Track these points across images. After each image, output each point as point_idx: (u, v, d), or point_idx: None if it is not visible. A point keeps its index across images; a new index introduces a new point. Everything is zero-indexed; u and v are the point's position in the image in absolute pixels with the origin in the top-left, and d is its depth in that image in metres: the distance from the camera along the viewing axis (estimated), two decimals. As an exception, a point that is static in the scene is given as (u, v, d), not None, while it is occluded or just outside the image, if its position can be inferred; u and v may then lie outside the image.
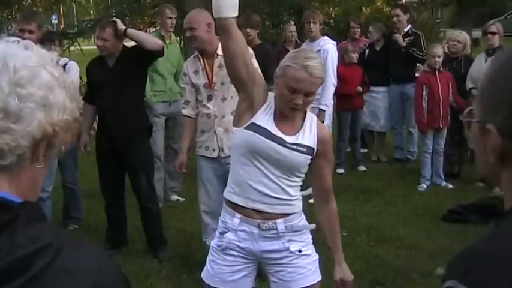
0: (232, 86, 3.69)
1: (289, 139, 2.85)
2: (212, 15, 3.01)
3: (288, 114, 2.85)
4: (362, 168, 8.37)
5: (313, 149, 2.91)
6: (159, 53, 5.18)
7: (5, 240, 1.04)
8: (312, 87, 2.79)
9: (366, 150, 9.43)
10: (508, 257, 1.05)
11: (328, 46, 6.59)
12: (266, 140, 2.82)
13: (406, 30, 8.53)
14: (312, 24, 6.77)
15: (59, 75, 1.19)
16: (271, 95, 2.94)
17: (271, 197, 2.89)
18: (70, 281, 1.07)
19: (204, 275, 3.09)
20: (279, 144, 2.83)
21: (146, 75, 5.48)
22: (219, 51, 4.38)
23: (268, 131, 2.83)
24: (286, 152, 2.84)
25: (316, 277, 3.02)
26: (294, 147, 2.85)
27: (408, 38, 8.44)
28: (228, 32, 2.79)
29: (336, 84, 6.66)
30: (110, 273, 1.16)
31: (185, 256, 5.35)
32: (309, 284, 2.99)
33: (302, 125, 2.92)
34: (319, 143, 2.93)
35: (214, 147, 4.81)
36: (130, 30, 5.20)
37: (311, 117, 2.97)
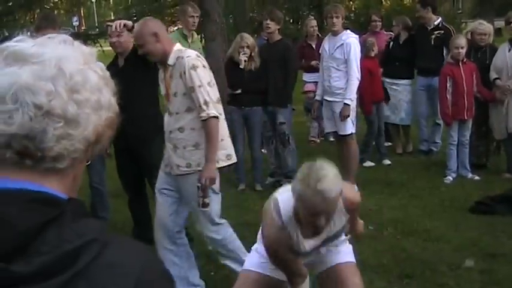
0: (182, 100, 3.97)
1: (325, 234, 3.05)
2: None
3: (311, 232, 3.00)
4: (387, 161, 8.33)
5: (344, 225, 3.11)
6: None
7: (53, 234, 1.06)
8: (330, 208, 2.79)
9: (389, 144, 9.40)
10: None
11: (351, 40, 6.58)
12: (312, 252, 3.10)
13: (436, 23, 8.46)
14: (335, 19, 6.75)
15: (101, 72, 1.22)
16: (286, 207, 2.98)
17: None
18: (114, 276, 1.08)
19: (248, 263, 3.33)
20: (323, 246, 3.13)
21: (157, 72, 5.47)
22: (170, 61, 4.18)
23: (311, 250, 3.08)
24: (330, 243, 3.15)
25: (353, 258, 3.28)
26: (333, 237, 3.11)
27: (438, 32, 8.37)
28: None
29: (359, 78, 6.63)
30: (154, 270, 1.17)
31: (212, 253, 5.35)
32: (348, 260, 3.23)
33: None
34: (350, 212, 3.08)
35: (166, 163, 4.50)
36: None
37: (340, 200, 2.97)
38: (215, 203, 4.39)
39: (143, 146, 5.22)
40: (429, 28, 8.44)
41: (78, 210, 1.15)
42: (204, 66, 4.18)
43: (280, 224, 2.93)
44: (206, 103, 4.08)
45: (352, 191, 3.18)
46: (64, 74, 1.12)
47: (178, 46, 4.32)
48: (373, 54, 8.08)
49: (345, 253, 3.18)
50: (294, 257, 3.01)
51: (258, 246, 3.24)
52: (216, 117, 4.12)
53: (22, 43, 1.15)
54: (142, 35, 4.27)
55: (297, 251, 3.00)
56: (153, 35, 4.22)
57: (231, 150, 4.44)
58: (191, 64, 4.10)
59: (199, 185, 4.14)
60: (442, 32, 8.34)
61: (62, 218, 1.09)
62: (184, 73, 4.07)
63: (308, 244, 3.00)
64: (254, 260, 3.20)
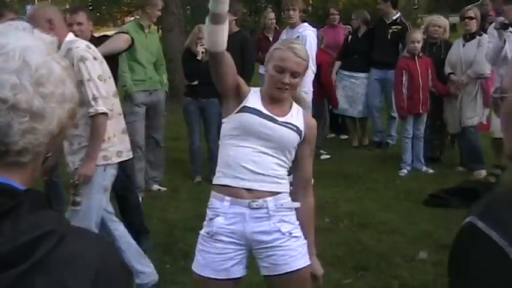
0: None
1: (279, 118, 2.96)
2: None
3: (277, 94, 2.95)
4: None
5: (301, 130, 2.99)
6: (129, 47, 5.13)
7: (8, 226, 1.05)
8: (297, 67, 2.92)
9: (346, 137, 9.47)
10: None
11: (307, 33, 6.57)
12: (258, 117, 2.91)
13: (394, 18, 8.55)
14: (291, 11, 6.75)
15: (64, 63, 1.20)
16: (254, 88, 3.06)
17: (261, 174, 2.90)
18: (73, 267, 1.08)
19: (194, 265, 3.03)
20: (270, 121, 2.93)
21: (117, 64, 5.39)
22: (61, 51, 3.90)
23: (259, 110, 2.94)
24: (277, 127, 2.92)
25: (306, 261, 3.00)
26: (285, 124, 2.95)
27: (395, 27, 8.47)
28: (219, 61, 2.94)
29: (315, 71, 6.64)
30: (113, 260, 1.17)
31: (168, 245, 5.33)
32: (300, 267, 2.97)
33: (290, 109, 3.03)
34: (306, 127, 3.02)
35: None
36: (100, 49, 4.75)
37: (297, 107, 3.07)
38: (97, 201, 4.17)
39: None
40: (387, 22, 8.52)
41: (36, 202, 1.13)
42: (95, 59, 4.00)
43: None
44: (95, 98, 3.91)
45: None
46: (29, 66, 1.10)
47: (70, 36, 4.10)
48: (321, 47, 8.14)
49: (297, 256, 2.96)
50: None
51: (202, 231, 3.02)
52: (105, 113, 3.95)
53: None
54: (36, 19, 3.97)
55: (245, 105, 2.95)
56: (47, 21, 3.97)
57: (122, 147, 4.27)
58: (80, 56, 3.90)
59: (71, 181, 4.01)
60: (400, 27, 8.45)
61: (19, 209, 1.08)
62: (73, 65, 3.84)
63: (259, 105, 2.95)
64: (201, 262, 2.98)
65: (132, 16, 16.15)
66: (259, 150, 2.91)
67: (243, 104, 2.96)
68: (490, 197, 1.18)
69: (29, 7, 32.01)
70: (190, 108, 7.11)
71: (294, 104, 3.06)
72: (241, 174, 2.90)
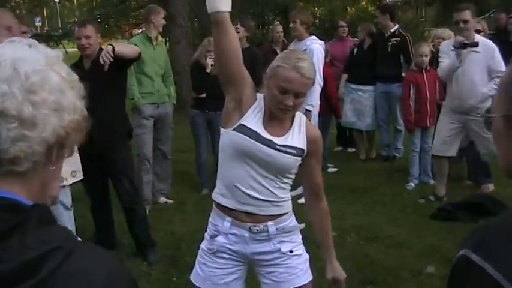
0: None
1: (278, 140, 2.81)
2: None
3: (279, 115, 2.80)
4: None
5: (302, 150, 2.87)
6: (138, 58, 5.15)
7: (15, 241, 1.05)
8: (302, 88, 2.74)
9: (353, 150, 9.45)
10: None
11: (314, 46, 6.57)
12: (255, 142, 2.77)
13: (392, 31, 8.54)
14: (292, 24, 6.81)
15: (66, 74, 1.19)
16: (260, 95, 2.89)
17: (259, 199, 2.85)
18: (80, 284, 1.07)
19: (193, 277, 3.05)
20: (268, 146, 2.78)
21: (125, 76, 5.40)
22: None
23: (257, 133, 2.78)
24: (275, 154, 2.79)
25: (308, 277, 3.00)
26: (284, 149, 2.81)
27: (394, 39, 8.46)
28: (221, 27, 2.71)
29: (322, 84, 6.64)
30: (120, 277, 1.16)
31: (175, 258, 5.32)
32: (301, 284, 2.97)
33: (291, 126, 2.88)
34: (309, 143, 2.89)
35: None
36: (117, 48, 4.95)
37: (300, 118, 2.93)
38: (64, 217, 4.31)
39: (110, 150, 5.14)
40: (386, 35, 8.53)
41: (43, 217, 1.13)
42: None
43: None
44: None
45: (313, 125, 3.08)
46: (19, 75, 1.10)
47: None
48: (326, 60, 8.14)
49: (298, 273, 2.96)
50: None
51: (203, 245, 3.03)
52: None
53: None
54: None
55: (243, 124, 2.79)
56: (7, 29, 3.97)
57: (76, 166, 4.32)
58: None
59: None
60: (399, 39, 8.44)
61: (26, 224, 1.07)
62: None
63: (257, 127, 2.79)
64: (201, 275, 3.00)
65: (140, 29, 16.19)
66: (259, 173, 2.82)
67: (241, 122, 2.80)
68: (483, 228, 1.17)
69: (37, 19, 32.17)
70: (197, 120, 7.12)
71: (296, 117, 2.91)
72: (241, 199, 2.85)
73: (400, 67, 8.40)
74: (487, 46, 6.34)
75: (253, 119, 2.81)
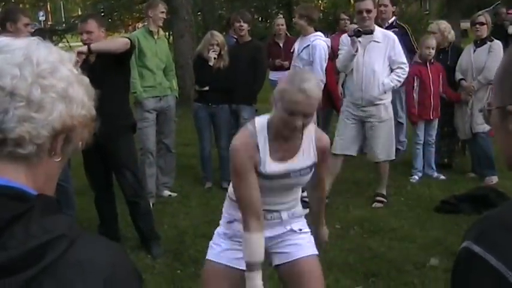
0: None
1: (291, 166, 3.01)
2: None
3: (288, 135, 2.94)
4: None
5: (315, 162, 3.08)
6: (130, 49, 5.15)
7: (20, 230, 1.06)
8: (310, 109, 2.83)
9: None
10: None
11: (318, 42, 6.50)
12: (275, 180, 3.01)
13: (390, 22, 8.51)
14: (293, 19, 6.81)
15: (77, 73, 1.23)
16: (261, 121, 3.01)
17: (279, 203, 3.14)
18: (82, 273, 1.08)
19: (209, 254, 3.22)
20: (285, 178, 3.02)
21: (128, 70, 5.40)
22: None
23: (273, 174, 2.98)
24: (293, 179, 3.04)
25: (315, 250, 3.23)
26: (298, 173, 3.03)
27: (393, 30, 8.42)
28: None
29: (324, 81, 6.58)
30: (124, 268, 1.17)
31: (178, 251, 5.33)
32: (310, 254, 3.17)
33: (301, 144, 3.04)
34: (320, 153, 3.09)
35: None
36: (93, 46, 4.93)
37: (309, 132, 3.05)
38: None
39: (113, 144, 5.15)
40: (384, 27, 8.49)
41: (48, 207, 1.15)
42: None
43: (252, 130, 2.96)
44: None
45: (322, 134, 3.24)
46: (31, 61, 1.14)
47: None
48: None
49: (306, 246, 3.18)
50: (254, 181, 2.94)
51: (219, 229, 3.25)
52: None
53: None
54: None
55: (260, 171, 2.95)
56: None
57: None
58: None
59: None
60: (397, 30, 8.41)
61: (30, 213, 1.09)
62: None
63: (272, 166, 2.97)
64: (216, 250, 3.18)
65: (143, 22, 16.21)
66: (276, 194, 3.09)
67: (258, 170, 2.97)
68: (484, 219, 1.19)
69: (41, 13, 32.14)
70: (200, 114, 7.13)
71: (305, 133, 3.02)
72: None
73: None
74: (387, 36, 6.37)
75: (263, 157, 2.97)
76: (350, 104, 6.50)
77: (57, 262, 1.06)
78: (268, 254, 3.15)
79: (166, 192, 7.04)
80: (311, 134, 3.05)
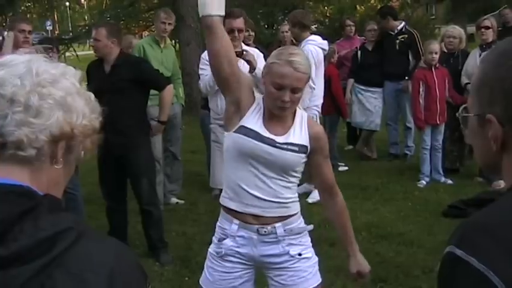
0: None
1: (279, 139, 2.81)
2: None
3: (277, 113, 2.79)
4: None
5: (305, 146, 2.85)
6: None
7: (29, 223, 1.11)
8: (298, 83, 2.72)
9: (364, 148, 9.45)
10: (499, 224, 1.16)
11: (306, 47, 6.41)
12: (256, 141, 2.77)
13: (399, 28, 8.54)
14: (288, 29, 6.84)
15: (79, 85, 1.30)
16: (259, 96, 2.89)
17: (264, 200, 2.84)
18: (90, 265, 1.13)
19: (202, 281, 3.05)
20: (269, 145, 2.78)
21: (147, 81, 5.46)
22: None
23: (258, 132, 2.78)
24: (277, 152, 2.79)
25: (317, 280, 2.99)
26: (285, 146, 2.80)
27: (402, 36, 8.45)
28: (213, 31, 2.71)
29: (314, 87, 6.43)
30: (128, 261, 1.22)
31: (186, 259, 5.34)
32: (311, 286, 2.96)
33: (292, 123, 2.87)
34: (312, 140, 2.87)
35: None
36: (162, 118, 5.68)
37: (301, 115, 2.91)
38: None
39: (130, 153, 5.17)
40: (393, 34, 8.52)
41: (54, 205, 1.21)
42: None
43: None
44: None
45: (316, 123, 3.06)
46: (31, 72, 1.21)
47: None
48: (332, 61, 8.17)
49: (306, 278, 2.94)
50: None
51: (211, 249, 3.02)
52: None
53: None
54: None
55: (243, 124, 2.79)
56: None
57: None
58: None
59: None
60: (406, 35, 8.44)
61: (38, 209, 1.14)
62: None
63: (257, 127, 2.79)
64: (209, 280, 2.99)
65: (150, 31, 16.24)
66: (263, 173, 2.82)
67: (241, 123, 2.80)
68: (465, 224, 1.23)
69: (48, 23, 32.27)
70: (207, 121, 7.12)
71: (297, 115, 2.89)
72: (247, 201, 2.85)
73: (408, 64, 8.39)
74: (256, 54, 5.85)
75: (253, 119, 2.82)
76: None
77: (67, 253, 1.11)
78: (263, 273, 3.03)
79: (174, 200, 7.05)
80: (304, 118, 2.89)
